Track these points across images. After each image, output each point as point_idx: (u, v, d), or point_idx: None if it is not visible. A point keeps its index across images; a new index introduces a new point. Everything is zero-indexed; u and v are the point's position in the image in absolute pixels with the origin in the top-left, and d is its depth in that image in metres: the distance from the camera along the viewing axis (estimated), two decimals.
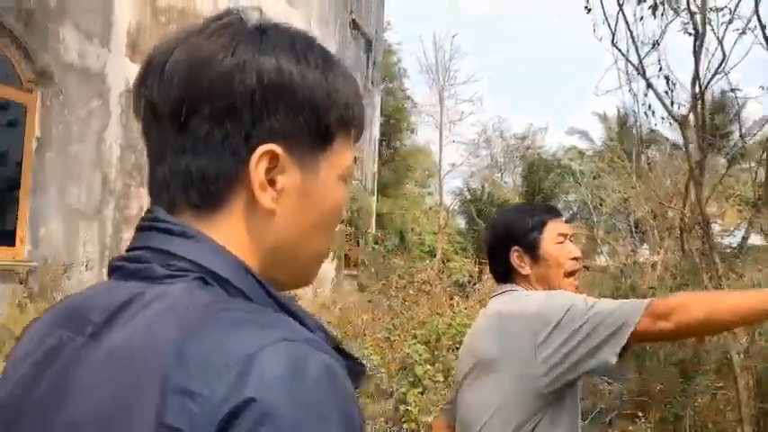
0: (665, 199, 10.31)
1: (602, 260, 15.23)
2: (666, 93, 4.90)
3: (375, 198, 15.43)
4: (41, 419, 0.61)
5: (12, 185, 6.26)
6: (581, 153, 25.46)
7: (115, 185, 7.35)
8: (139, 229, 0.69)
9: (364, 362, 0.72)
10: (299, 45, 0.69)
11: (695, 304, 1.55)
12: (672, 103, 4.93)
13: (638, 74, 4.98)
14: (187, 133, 0.65)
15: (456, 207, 29.44)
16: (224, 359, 0.54)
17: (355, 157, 0.72)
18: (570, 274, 1.85)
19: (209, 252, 0.64)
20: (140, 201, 7.73)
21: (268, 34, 0.68)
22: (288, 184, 0.67)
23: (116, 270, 0.68)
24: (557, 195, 29.97)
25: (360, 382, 0.66)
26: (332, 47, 13.29)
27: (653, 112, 5.16)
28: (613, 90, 5.21)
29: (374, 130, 15.96)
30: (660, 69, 5.02)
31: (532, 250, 1.84)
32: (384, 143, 17.87)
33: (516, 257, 1.85)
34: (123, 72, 7.40)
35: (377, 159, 16.19)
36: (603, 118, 23.77)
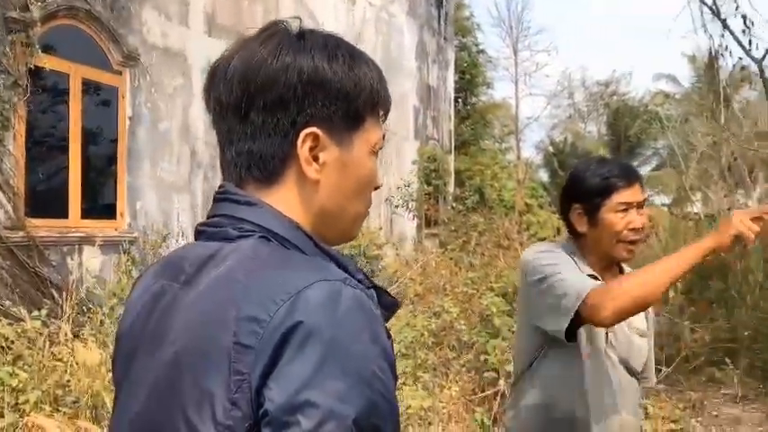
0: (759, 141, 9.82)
1: (695, 207, 14.68)
2: (744, 32, 4.72)
3: (453, 156, 15.42)
4: (152, 347, 0.81)
5: (110, 163, 6.75)
6: (668, 97, 24.29)
7: (202, 158, 7.76)
8: (215, 200, 0.89)
9: (397, 298, 0.88)
10: (330, 46, 0.86)
11: (625, 286, 1.64)
12: (750, 43, 4.74)
13: (713, 14, 4.81)
14: (247, 123, 0.85)
15: (539, 160, 28.94)
16: (279, 294, 0.72)
17: (384, 135, 0.93)
18: (625, 242, 1.83)
19: (269, 216, 0.83)
20: None
21: (305, 39, 0.86)
22: (329, 159, 0.86)
23: (200, 234, 0.89)
24: (643, 142, 28.89)
25: (393, 311, 0.87)
26: (403, 5, 13.25)
27: (730, 53, 4.97)
28: (687, 34, 5.06)
29: (449, 87, 15.86)
30: (737, 8, 4.82)
31: (592, 213, 1.84)
32: (460, 100, 17.71)
33: (576, 215, 1.88)
34: (203, 49, 7.73)
35: (453, 117, 16.12)
36: (692, 59, 22.54)
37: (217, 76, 0.87)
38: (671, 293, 6.22)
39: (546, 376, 1.85)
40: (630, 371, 1.87)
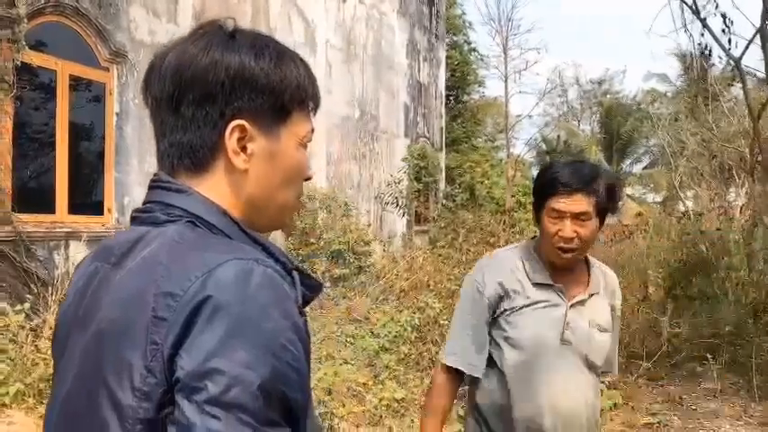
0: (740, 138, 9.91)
1: (684, 205, 14.76)
2: (723, 31, 4.78)
3: (443, 153, 15.47)
4: (84, 324, 0.87)
5: (97, 159, 6.78)
6: (659, 95, 24.37)
7: None
8: (149, 188, 0.95)
9: (321, 280, 0.94)
10: (258, 44, 0.92)
11: (426, 400, 2.05)
12: (729, 42, 4.81)
13: (693, 13, 4.88)
14: (178, 115, 0.90)
15: (532, 158, 28.96)
16: (194, 271, 0.78)
17: (312, 129, 1.00)
18: (557, 248, 1.84)
19: (197, 202, 0.89)
20: None
21: (236, 38, 0.91)
22: (256, 150, 0.91)
23: (134, 219, 0.95)
24: (636, 140, 28.95)
25: (316, 292, 0.92)
26: (394, 3, 13.29)
27: (709, 52, 5.05)
28: (668, 34, 5.14)
29: (440, 84, 15.91)
30: (717, 7, 4.89)
31: (537, 212, 1.92)
32: (452, 98, 17.76)
33: (533, 213, 1.98)
34: None
35: (444, 114, 16.18)
36: (682, 58, 22.62)
37: (153, 72, 0.93)
38: (651, 289, 6.30)
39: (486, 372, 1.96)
40: (589, 365, 1.88)
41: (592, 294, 1.91)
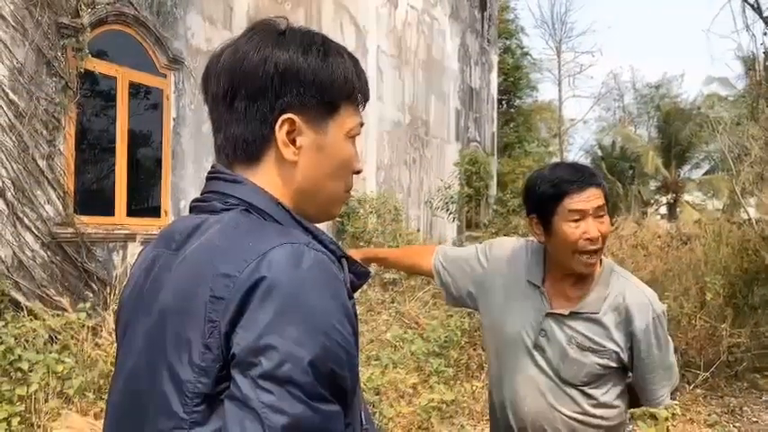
0: None
1: (746, 212, 14.25)
2: None
3: (495, 158, 15.35)
4: (147, 305, 0.92)
5: (155, 163, 6.99)
6: (720, 99, 23.63)
7: None
8: (207, 179, 1.00)
9: (369, 268, 0.97)
10: (306, 40, 0.96)
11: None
12: None
13: (755, 11, 4.73)
14: (232, 110, 0.95)
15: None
16: (250, 254, 0.82)
17: (361, 122, 1.04)
18: (581, 252, 1.74)
19: (250, 191, 0.94)
20: None
21: (285, 35, 0.96)
22: (305, 143, 0.95)
23: (193, 208, 1.01)
24: (695, 146, 28.14)
25: (364, 279, 0.96)
26: (445, 8, 13.28)
27: None
28: (729, 34, 5.01)
29: (492, 89, 15.81)
30: None
31: (546, 222, 1.77)
32: (504, 102, 17.63)
33: (534, 224, 1.82)
34: None
35: (496, 119, 16.06)
36: (747, 60, 21.89)
37: (210, 70, 0.98)
38: (709, 296, 6.10)
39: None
40: (562, 379, 1.80)
41: (575, 313, 1.78)
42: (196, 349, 0.81)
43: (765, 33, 5.00)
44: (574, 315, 1.79)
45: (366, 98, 1.02)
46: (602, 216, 1.75)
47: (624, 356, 1.79)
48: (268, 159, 0.95)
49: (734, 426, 5.11)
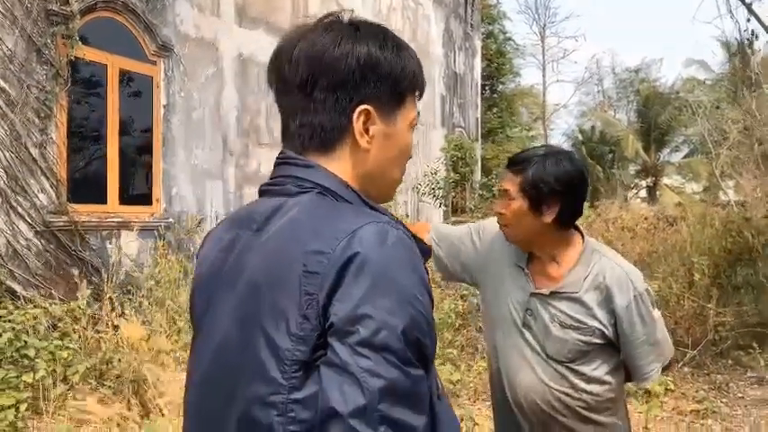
0: None
1: (726, 195, 14.49)
2: None
3: (479, 144, 15.44)
4: (231, 282, 0.98)
5: (145, 150, 6.97)
6: (699, 83, 23.88)
7: (234, 146, 7.96)
8: (277, 165, 1.06)
9: (429, 246, 1.03)
10: (381, 36, 1.03)
11: None
12: None
13: None
14: (311, 99, 1.00)
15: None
16: (339, 232, 0.88)
17: (419, 113, 1.11)
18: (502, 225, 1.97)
19: (324, 175, 1.00)
20: (258, 159, 8.33)
21: (360, 29, 1.02)
22: (376, 132, 1.02)
23: (265, 192, 1.06)
24: (674, 129, 28.41)
25: (426, 256, 1.01)
26: None
27: (756, 38, 4.99)
28: (712, 20, 5.10)
29: (475, 74, 15.87)
30: None
31: None
32: (487, 88, 17.70)
33: None
34: (234, 39, 7.91)
35: (479, 105, 16.14)
36: (725, 44, 22.14)
37: (281, 57, 1.03)
38: (697, 276, 6.26)
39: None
40: (548, 355, 1.88)
41: (555, 293, 1.88)
42: (293, 320, 0.86)
43: (749, 20, 5.10)
44: (555, 294, 1.88)
45: (423, 91, 1.10)
46: (508, 199, 1.90)
47: (609, 333, 1.86)
48: (343, 146, 1.01)
49: (721, 401, 5.28)
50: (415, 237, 0.97)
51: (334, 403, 0.81)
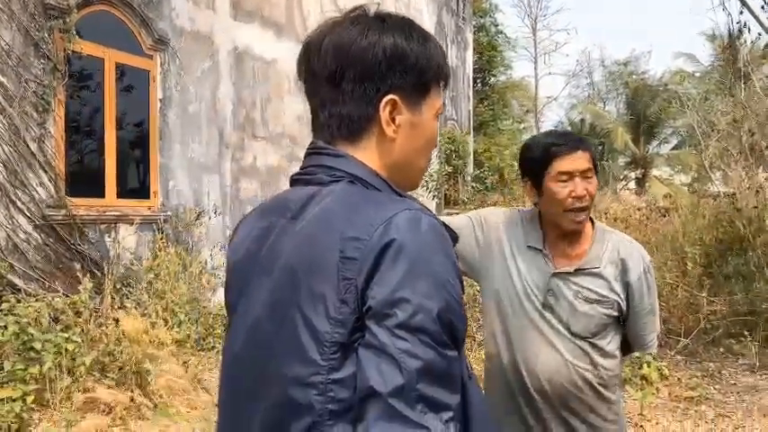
0: None
1: (715, 186, 14.62)
2: (763, 8, 4.81)
3: (471, 137, 15.51)
4: (267, 268, 1.02)
5: (143, 144, 6.98)
6: (687, 75, 24.03)
7: (230, 139, 7.98)
8: (308, 155, 1.09)
9: (457, 233, 1.07)
10: (407, 27, 1.06)
11: None
12: None
13: None
14: (339, 90, 1.04)
15: None
16: (374, 220, 0.91)
17: (444, 103, 1.15)
18: (569, 210, 1.89)
19: (354, 164, 1.03)
20: (253, 152, 8.35)
21: (387, 22, 1.05)
22: (403, 121, 1.05)
23: (296, 181, 1.09)
24: (663, 122, 28.58)
25: (454, 243, 1.03)
26: None
27: (748, 30, 5.07)
28: (705, 12, 5.19)
29: (467, 67, 15.91)
30: None
31: (539, 183, 1.93)
32: (479, 81, 17.75)
33: (528, 188, 1.99)
34: (229, 32, 7.92)
35: (471, 97, 16.19)
36: (711, 37, 22.28)
37: (310, 50, 1.06)
38: (690, 266, 6.35)
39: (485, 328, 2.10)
40: (572, 332, 1.92)
41: (579, 270, 1.93)
42: (332, 303, 0.89)
43: (741, 12, 5.18)
44: (579, 271, 1.94)
45: (448, 82, 1.13)
46: (589, 177, 1.90)
47: (623, 305, 1.96)
48: (370, 136, 1.04)
49: (714, 388, 5.38)
50: (444, 223, 1.00)
51: (374, 383, 0.84)
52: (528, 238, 1.99)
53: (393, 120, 1.04)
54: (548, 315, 1.95)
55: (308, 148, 1.09)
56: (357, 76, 1.02)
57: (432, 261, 0.90)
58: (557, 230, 1.97)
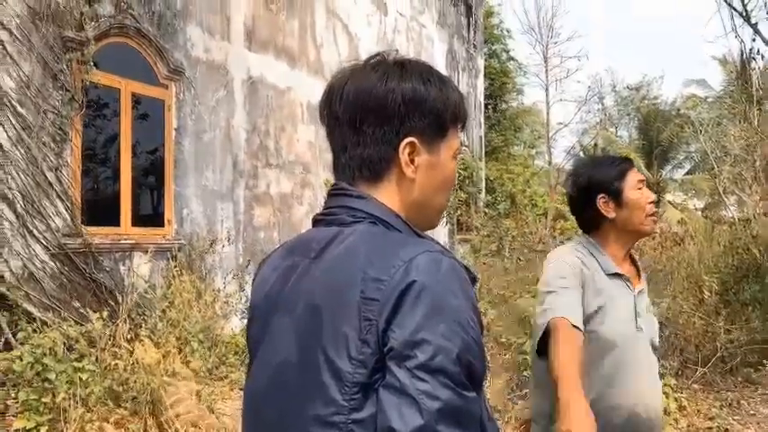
0: None
1: (729, 211, 14.52)
2: None
3: (483, 163, 15.54)
4: (290, 307, 1.03)
5: (157, 173, 7.05)
6: (700, 101, 24.01)
7: (244, 167, 8.04)
8: (330, 195, 1.12)
9: (476, 275, 1.08)
10: (425, 72, 1.09)
11: (559, 348, 1.72)
12: None
13: (743, 19, 4.93)
14: (360, 133, 1.07)
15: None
16: (396, 261, 0.93)
17: (462, 143, 1.17)
18: (650, 215, 2.08)
19: (375, 206, 1.06)
20: (267, 180, 8.40)
21: (405, 68, 1.08)
22: (422, 162, 1.08)
23: (319, 222, 1.12)
24: (676, 146, 28.53)
25: (474, 284, 1.05)
26: (433, 14, 13.45)
27: (762, 57, 5.08)
28: (716, 39, 5.21)
29: (478, 94, 16.00)
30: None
31: (617, 197, 2.06)
32: (490, 107, 17.83)
33: (603, 204, 2.08)
34: (243, 61, 8.03)
35: (483, 123, 16.25)
36: (723, 62, 22.30)
37: (332, 95, 1.10)
38: (706, 294, 6.29)
39: None
40: (654, 347, 2.06)
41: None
42: (353, 344, 0.91)
43: (754, 39, 5.20)
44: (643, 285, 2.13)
45: (465, 122, 1.16)
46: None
47: None
48: (390, 177, 1.07)
49: (733, 419, 5.29)
50: (463, 265, 1.02)
51: (394, 423, 0.85)
52: (604, 266, 2.04)
53: (412, 161, 1.07)
54: (641, 336, 2.01)
55: (330, 189, 1.12)
56: (377, 120, 1.05)
57: (452, 302, 0.91)
58: (623, 250, 2.10)
